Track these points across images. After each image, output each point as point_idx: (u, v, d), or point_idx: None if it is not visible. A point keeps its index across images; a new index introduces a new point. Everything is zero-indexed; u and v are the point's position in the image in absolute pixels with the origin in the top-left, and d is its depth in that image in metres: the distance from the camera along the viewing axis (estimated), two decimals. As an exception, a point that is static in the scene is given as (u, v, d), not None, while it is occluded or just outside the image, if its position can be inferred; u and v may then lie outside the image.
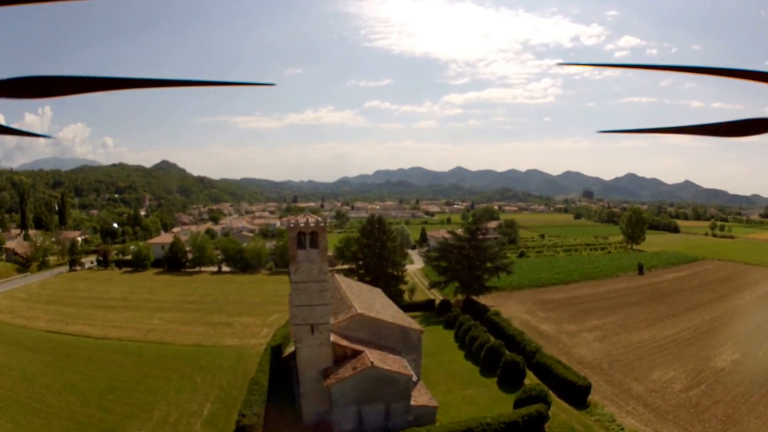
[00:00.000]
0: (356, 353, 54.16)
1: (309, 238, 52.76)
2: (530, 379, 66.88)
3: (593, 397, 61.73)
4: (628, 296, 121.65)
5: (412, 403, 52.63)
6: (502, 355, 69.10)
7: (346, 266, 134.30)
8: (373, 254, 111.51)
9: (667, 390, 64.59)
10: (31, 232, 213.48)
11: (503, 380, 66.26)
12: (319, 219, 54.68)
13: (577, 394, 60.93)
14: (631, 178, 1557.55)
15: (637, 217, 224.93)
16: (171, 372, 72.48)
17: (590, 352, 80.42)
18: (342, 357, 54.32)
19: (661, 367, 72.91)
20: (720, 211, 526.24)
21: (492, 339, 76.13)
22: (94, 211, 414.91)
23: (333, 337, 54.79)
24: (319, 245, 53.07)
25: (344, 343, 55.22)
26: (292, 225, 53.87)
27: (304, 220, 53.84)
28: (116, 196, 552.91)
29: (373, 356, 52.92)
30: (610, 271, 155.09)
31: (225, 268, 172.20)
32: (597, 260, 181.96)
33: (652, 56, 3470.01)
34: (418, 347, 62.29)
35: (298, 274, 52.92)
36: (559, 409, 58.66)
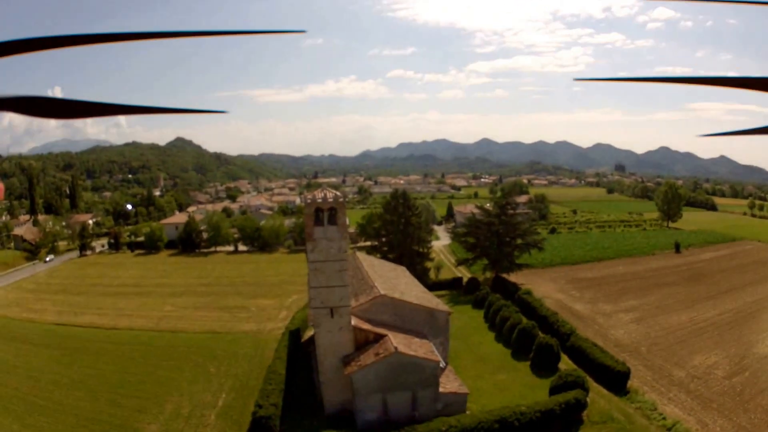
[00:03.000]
0: (379, 338, 52.60)
1: (327, 215, 50.90)
2: (565, 363, 65.53)
3: (633, 383, 60.09)
4: (665, 275, 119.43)
5: (440, 390, 51.10)
6: (535, 338, 67.83)
7: (368, 243, 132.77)
8: (397, 231, 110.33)
9: (709, 376, 62.88)
10: (41, 217, 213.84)
11: (537, 364, 65.01)
12: (338, 194, 52.64)
13: (615, 379, 59.31)
14: (664, 152, 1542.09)
15: (674, 192, 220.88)
16: (183, 362, 71.85)
17: (627, 335, 78.83)
18: (364, 342, 52.82)
19: (703, 351, 71.17)
20: (758, 189, 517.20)
21: (524, 320, 75.12)
22: (107, 193, 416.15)
23: (354, 321, 53.19)
24: (338, 222, 51.15)
25: (366, 326, 53.67)
26: (308, 201, 51.75)
27: (322, 195, 51.86)
28: (130, 176, 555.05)
29: (398, 341, 51.28)
30: (645, 249, 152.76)
31: (242, 248, 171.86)
32: (632, 237, 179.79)
33: (687, 29, 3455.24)
34: (445, 330, 60.79)
35: (315, 253, 51.12)
36: (598, 395, 57.21)
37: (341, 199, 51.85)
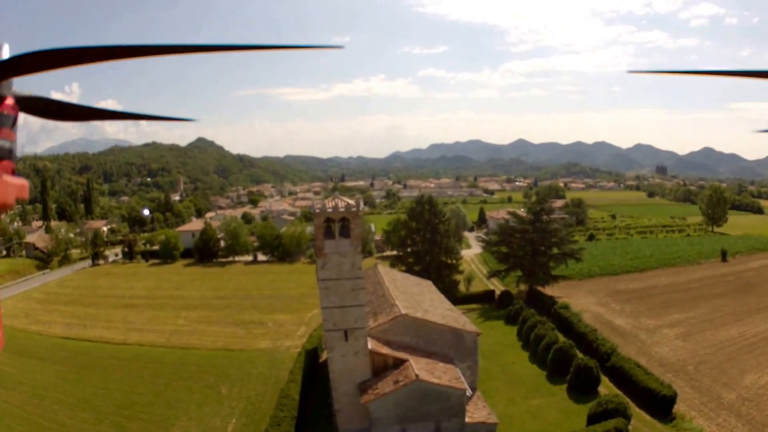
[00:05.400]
0: (399, 362, 50.17)
1: (339, 226, 48.63)
2: (605, 386, 63.07)
3: (679, 407, 57.51)
4: (711, 286, 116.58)
5: (467, 419, 48.61)
6: (573, 358, 65.27)
7: (395, 252, 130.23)
8: (424, 240, 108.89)
9: (762, 398, 60.48)
10: (54, 223, 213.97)
11: (574, 387, 62.43)
12: (351, 202, 50.43)
13: (660, 404, 56.54)
14: (707, 152, 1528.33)
15: (719, 196, 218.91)
16: (194, 382, 70.98)
17: (673, 352, 76.14)
18: (382, 367, 50.47)
19: (754, 369, 68.68)
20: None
21: (561, 338, 73.31)
22: (125, 198, 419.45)
23: (371, 344, 50.88)
24: (352, 234, 48.78)
25: (384, 350, 51.32)
26: (317, 210, 49.36)
27: (333, 203, 49.54)
28: (148, 180, 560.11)
29: (419, 366, 48.92)
30: (690, 257, 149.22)
31: (261, 257, 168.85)
32: (675, 244, 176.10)
33: (732, 26, 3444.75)
34: (473, 352, 58.19)
35: (325, 270, 48.69)
36: (640, 422, 54.88)
37: (354, 209, 49.39)
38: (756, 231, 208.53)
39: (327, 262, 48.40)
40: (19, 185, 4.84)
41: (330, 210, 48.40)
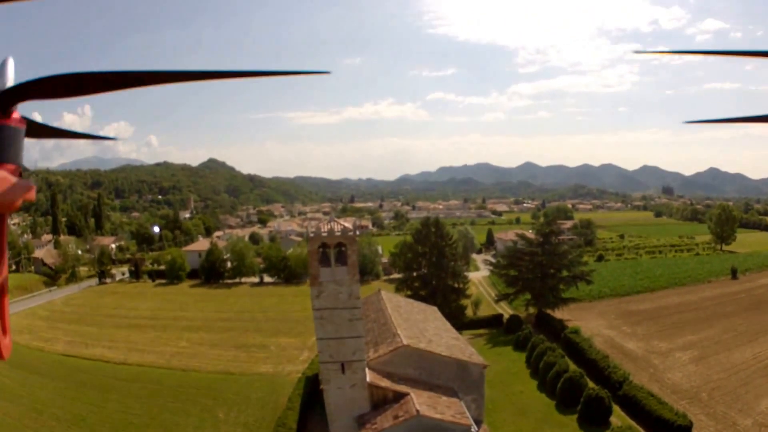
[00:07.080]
0: (399, 396, 46.94)
1: (335, 252, 45.54)
2: (617, 415, 59.95)
3: (694, 436, 54.37)
4: (723, 305, 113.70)
5: (471, 457, 44.92)
6: (584, 387, 62.09)
7: (401, 275, 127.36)
8: (430, 263, 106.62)
9: (779, 425, 57.60)
10: (63, 238, 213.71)
11: (585, 418, 59.19)
12: (348, 226, 47.32)
13: (675, 434, 53.26)
14: (713, 173, 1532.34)
15: (727, 214, 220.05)
16: (191, 405, 69.35)
17: (686, 378, 73.00)
18: (382, 400, 47.25)
19: (770, 394, 65.73)
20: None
21: (571, 366, 70.55)
22: (136, 213, 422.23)
23: (371, 376, 47.79)
24: (349, 261, 45.52)
25: (384, 383, 48.08)
26: (312, 234, 46.33)
27: (329, 227, 46.40)
28: (159, 197, 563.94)
29: (421, 400, 45.75)
30: (700, 276, 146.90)
31: (268, 279, 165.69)
32: (685, 263, 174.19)
33: (737, 40, 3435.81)
34: (479, 385, 54.68)
35: (321, 299, 45.42)
36: (655, 454, 51.78)
37: (351, 233, 46.22)
38: (764, 248, 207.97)
39: (322, 290, 45.27)
40: (25, 186, 4.26)
41: (325, 234, 45.32)
